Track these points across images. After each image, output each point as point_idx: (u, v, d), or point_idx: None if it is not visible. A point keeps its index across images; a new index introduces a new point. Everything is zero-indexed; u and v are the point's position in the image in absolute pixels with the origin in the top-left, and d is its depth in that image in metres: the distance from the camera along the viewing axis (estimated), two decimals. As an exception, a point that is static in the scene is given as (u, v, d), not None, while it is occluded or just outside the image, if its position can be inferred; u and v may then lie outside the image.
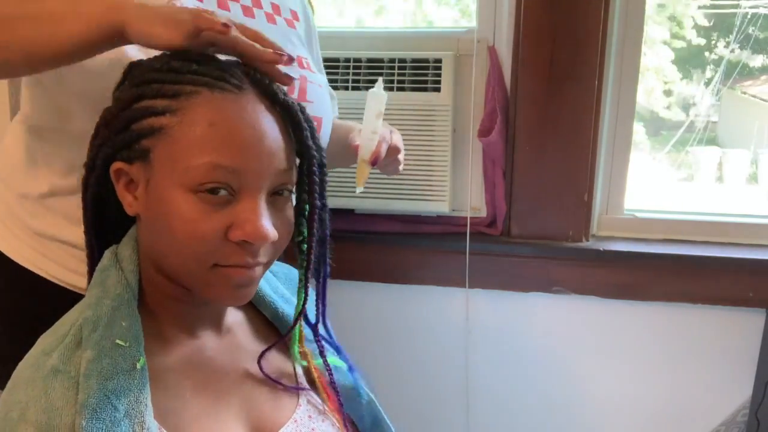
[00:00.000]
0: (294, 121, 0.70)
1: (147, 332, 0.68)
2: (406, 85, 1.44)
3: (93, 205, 0.73)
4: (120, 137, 0.67)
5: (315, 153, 0.72)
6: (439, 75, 1.42)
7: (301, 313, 0.80)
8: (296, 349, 0.81)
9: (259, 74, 0.69)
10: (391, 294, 1.55)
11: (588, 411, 1.54)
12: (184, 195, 0.64)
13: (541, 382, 1.54)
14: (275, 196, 0.69)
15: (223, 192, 0.65)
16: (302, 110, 0.71)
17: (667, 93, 2.16)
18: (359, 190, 0.99)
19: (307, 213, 0.74)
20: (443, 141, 1.44)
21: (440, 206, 1.47)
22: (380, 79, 1.03)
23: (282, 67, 0.70)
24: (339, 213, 1.54)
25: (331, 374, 0.82)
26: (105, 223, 0.75)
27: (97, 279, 0.71)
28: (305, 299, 0.80)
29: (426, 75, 1.43)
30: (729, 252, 1.42)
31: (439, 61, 1.41)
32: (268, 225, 0.66)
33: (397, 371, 1.58)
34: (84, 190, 0.73)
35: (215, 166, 0.64)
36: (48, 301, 0.90)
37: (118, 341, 0.65)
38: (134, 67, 0.70)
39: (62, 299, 0.81)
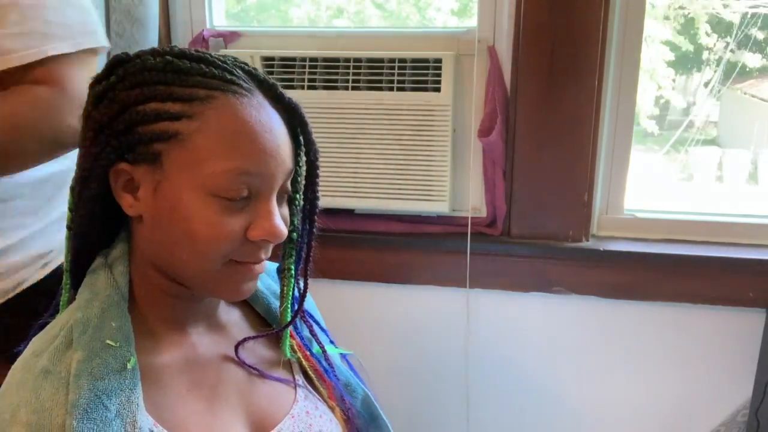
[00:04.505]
0: (300, 121, 0.71)
1: (138, 332, 0.68)
2: (406, 85, 1.43)
3: (89, 216, 0.70)
4: (123, 139, 0.65)
5: (316, 149, 0.74)
6: (439, 75, 1.42)
7: (301, 306, 0.80)
8: (287, 341, 0.81)
9: (260, 75, 0.70)
10: (391, 294, 1.55)
11: (588, 411, 1.54)
12: (204, 198, 0.65)
13: (541, 382, 1.54)
14: (278, 196, 0.71)
15: (244, 195, 0.66)
16: (301, 108, 0.72)
17: (667, 94, 2.16)
18: None
19: (305, 205, 0.77)
20: (443, 141, 1.44)
21: (440, 206, 1.47)
22: None
23: None
24: (339, 213, 1.54)
25: (328, 361, 0.83)
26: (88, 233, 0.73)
27: (86, 282, 0.71)
28: (304, 289, 0.81)
29: (426, 75, 1.43)
30: (729, 252, 1.42)
31: (439, 61, 1.41)
32: (282, 225, 0.69)
33: (397, 371, 1.58)
34: (79, 201, 0.70)
35: (240, 171, 0.65)
36: None
37: (108, 342, 0.65)
38: (123, 63, 0.68)
39: None
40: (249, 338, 0.78)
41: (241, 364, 0.76)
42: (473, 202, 1.51)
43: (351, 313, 1.57)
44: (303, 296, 0.81)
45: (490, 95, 1.44)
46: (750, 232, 1.46)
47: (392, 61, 1.43)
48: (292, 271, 0.80)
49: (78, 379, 0.62)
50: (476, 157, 1.48)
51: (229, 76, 0.66)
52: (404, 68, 1.43)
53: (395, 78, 1.43)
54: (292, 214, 0.75)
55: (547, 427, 1.57)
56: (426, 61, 1.42)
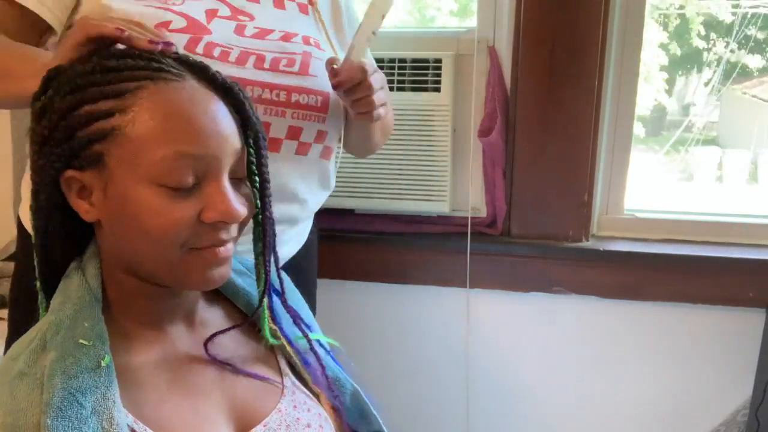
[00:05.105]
0: (236, 99, 0.71)
1: (114, 332, 0.68)
2: (406, 85, 1.44)
3: (44, 230, 0.71)
4: (66, 147, 0.65)
5: (259, 127, 0.73)
6: (439, 75, 1.42)
7: (266, 288, 0.80)
8: (266, 327, 0.81)
9: (191, 60, 0.70)
10: (391, 294, 1.55)
11: (588, 411, 1.54)
12: (150, 189, 0.64)
13: (541, 382, 1.54)
14: (233, 179, 0.70)
15: (189, 179, 0.65)
16: (240, 88, 0.72)
17: (667, 93, 2.16)
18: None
19: (258, 186, 0.75)
20: (443, 141, 1.44)
21: (440, 206, 1.48)
22: None
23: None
24: (339, 213, 1.54)
25: (313, 350, 0.82)
26: (52, 249, 0.74)
27: (60, 287, 0.71)
28: (267, 274, 0.79)
29: (426, 75, 1.43)
30: (729, 252, 1.42)
31: (439, 61, 1.41)
32: (237, 204, 0.68)
33: (397, 371, 1.58)
34: (34, 216, 0.70)
35: (179, 155, 0.64)
36: None
37: (81, 341, 0.65)
38: (58, 74, 0.69)
39: None
40: (219, 333, 0.77)
41: (217, 359, 0.76)
42: (473, 202, 1.51)
43: (351, 313, 1.57)
44: (267, 278, 0.79)
45: (490, 95, 1.44)
46: (750, 232, 1.47)
47: (392, 61, 1.43)
48: (261, 257, 0.79)
49: (52, 378, 0.62)
50: (476, 157, 1.48)
51: (156, 65, 0.67)
52: (404, 68, 1.43)
53: (395, 78, 1.43)
54: (254, 197, 0.75)
55: (546, 426, 1.56)
56: (426, 61, 1.42)
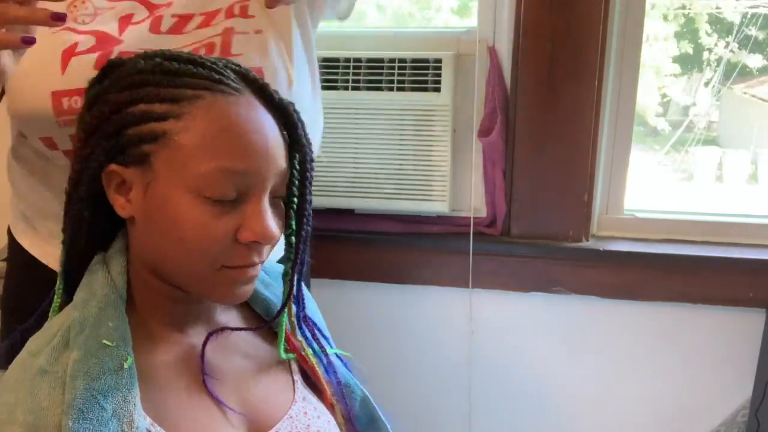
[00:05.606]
0: (290, 121, 0.71)
1: (136, 333, 0.68)
2: (406, 85, 1.43)
3: (78, 219, 0.71)
4: (113, 141, 0.66)
5: (308, 150, 0.73)
6: (439, 75, 1.42)
7: (287, 303, 0.80)
8: (282, 341, 0.81)
9: (251, 75, 0.70)
10: (392, 294, 1.55)
11: (588, 411, 1.54)
12: (192, 199, 0.65)
13: (541, 381, 1.54)
14: (272, 198, 0.70)
15: (231, 193, 0.65)
16: (295, 109, 0.72)
17: (664, 95, 2.16)
18: None
19: (296, 207, 0.75)
20: (443, 141, 1.44)
21: (440, 206, 1.47)
22: None
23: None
24: (339, 213, 1.54)
25: (329, 361, 0.83)
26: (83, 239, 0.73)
27: (84, 281, 0.71)
28: (291, 291, 0.80)
29: (426, 75, 1.43)
30: (729, 252, 1.42)
31: (439, 61, 1.41)
32: (274, 226, 0.68)
33: (399, 371, 1.59)
34: (69, 203, 0.71)
35: (225, 170, 0.64)
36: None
37: (104, 341, 0.65)
38: (116, 66, 0.69)
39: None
40: (227, 328, 0.77)
41: (242, 358, 0.76)
42: (473, 202, 1.51)
43: (352, 313, 1.57)
44: (289, 295, 0.80)
45: (490, 95, 1.44)
46: (750, 232, 1.46)
47: (392, 61, 1.43)
48: (290, 273, 0.79)
49: (74, 379, 0.62)
50: (476, 157, 1.48)
51: (216, 76, 0.67)
52: (404, 68, 1.43)
53: (395, 78, 1.43)
54: (288, 218, 0.75)
55: (547, 426, 1.57)
56: (426, 61, 1.42)
